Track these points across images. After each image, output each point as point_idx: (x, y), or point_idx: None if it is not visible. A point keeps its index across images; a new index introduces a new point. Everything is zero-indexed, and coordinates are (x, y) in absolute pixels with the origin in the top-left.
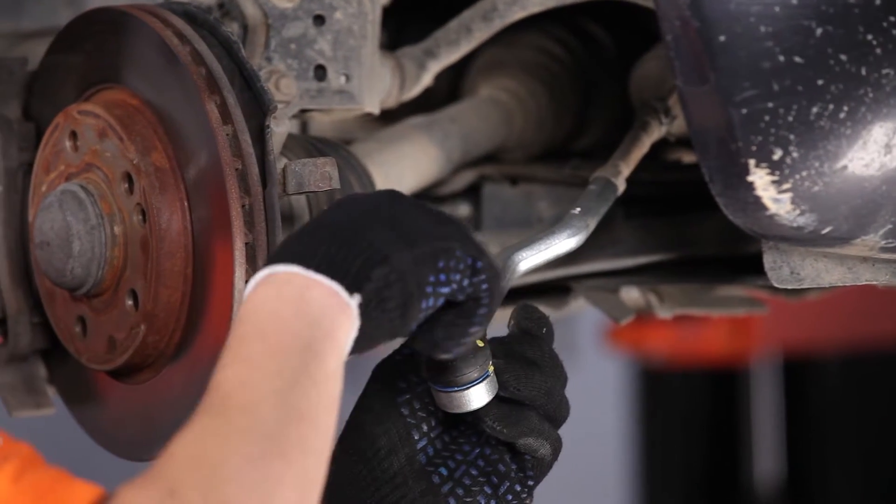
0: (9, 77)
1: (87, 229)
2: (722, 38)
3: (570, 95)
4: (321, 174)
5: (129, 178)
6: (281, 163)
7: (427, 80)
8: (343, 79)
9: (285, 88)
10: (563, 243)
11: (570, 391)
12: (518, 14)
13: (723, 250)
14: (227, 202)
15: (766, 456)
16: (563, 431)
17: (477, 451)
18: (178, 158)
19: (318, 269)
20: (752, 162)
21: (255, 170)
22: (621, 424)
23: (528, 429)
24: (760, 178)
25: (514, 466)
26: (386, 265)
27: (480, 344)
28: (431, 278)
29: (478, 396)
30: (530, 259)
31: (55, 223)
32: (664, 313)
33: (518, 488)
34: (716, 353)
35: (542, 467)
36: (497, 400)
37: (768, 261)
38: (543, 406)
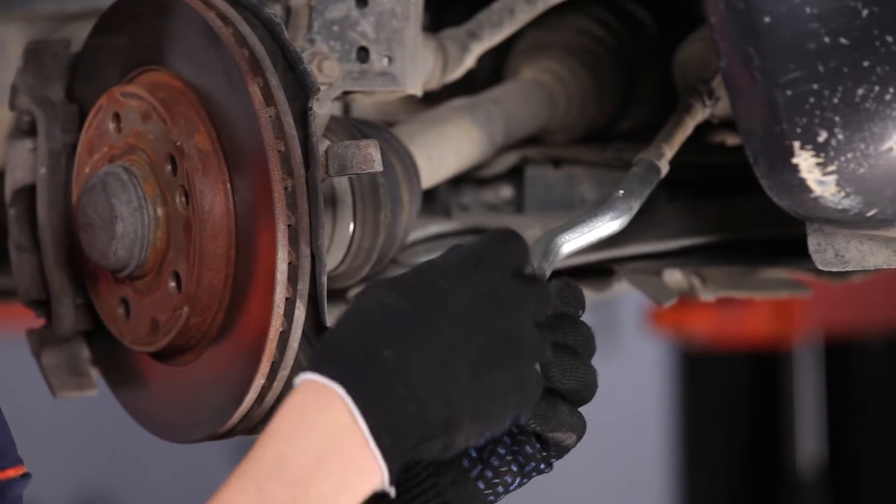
0: (52, 59)
1: (130, 211)
2: (767, 19)
3: (613, 77)
4: (364, 156)
5: (172, 159)
6: (323, 145)
7: (470, 61)
8: (385, 61)
9: (328, 70)
10: (607, 226)
11: (612, 374)
12: None
13: (766, 233)
14: (270, 184)
15: (808, 438)
16: (605, 413)
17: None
18: (222, 140)
19: (372, 430)
20: (796, 144)
21: (297, 152)
22: (663, 407)
23: (559, 424)
24: (805, 161)
25: (538, 446)
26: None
27: None
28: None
29: None
30: (573, 242)
31: (99, 205)
32: (707, 296)
33: (543, 466)
34: (758, 336)
35: (566, 451)
36: None
37: (812, 243)
38: (579, 395)
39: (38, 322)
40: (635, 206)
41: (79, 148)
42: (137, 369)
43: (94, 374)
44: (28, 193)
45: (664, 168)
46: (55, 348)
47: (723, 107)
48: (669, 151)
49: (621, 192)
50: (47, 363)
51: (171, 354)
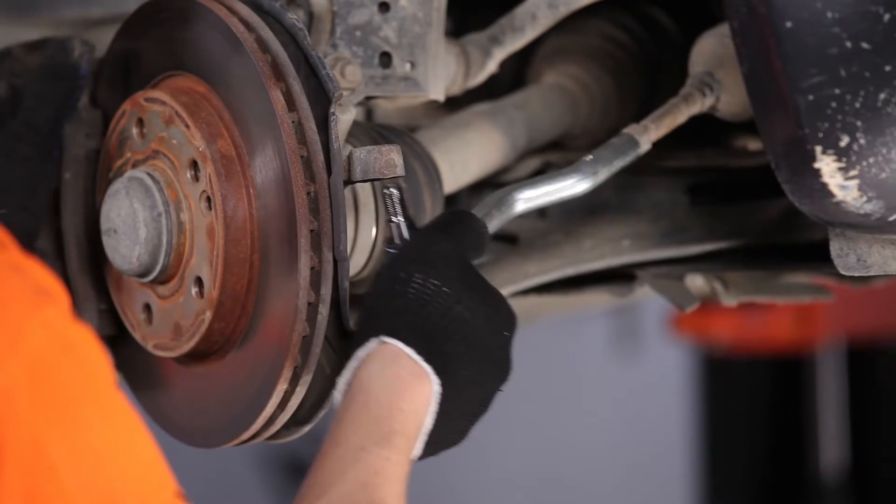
0: None
1: (153, 216)
2: (789, 24)
3: (635, 82)
4: (386, 161)
5: (195, 165)
6: (346, 150)
7: (492, 66)
8: (408, 66)
9: (350, 76)
10: (568, 186)
11: (635, 379)
12: (583, 1)
13: (788, 237)
14: (293, 189)
15: (831, 444)
16: (627, 418)
17: None
18: (244, 146)
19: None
20: (818, 149)
21: (320, 157)
22: (685, 412)
23: None
24: (827, 165)
25: None
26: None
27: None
28: None
29: None
30: (532, 199)
31: (122, 210)
32: (729, 300)
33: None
34: (781, 341)
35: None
36: None
37: (835, 248)
38: None
39: None
40: (603, 172)
41: (102, 153)
42: (161, 374)
43: (119, 378)
44: (53, 199)
45: (644, 144)
46: None
47: (727, 102)
48: (655, 130)
49: (590, 157)
50: None
51: (194, 359)
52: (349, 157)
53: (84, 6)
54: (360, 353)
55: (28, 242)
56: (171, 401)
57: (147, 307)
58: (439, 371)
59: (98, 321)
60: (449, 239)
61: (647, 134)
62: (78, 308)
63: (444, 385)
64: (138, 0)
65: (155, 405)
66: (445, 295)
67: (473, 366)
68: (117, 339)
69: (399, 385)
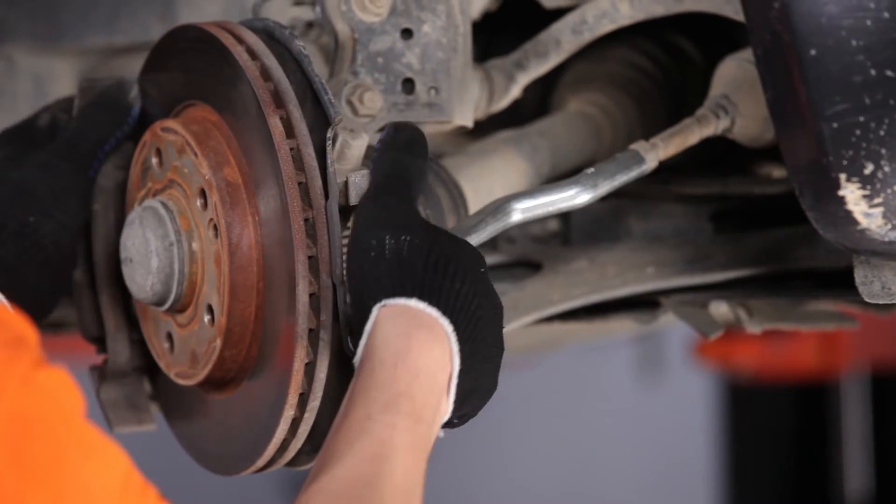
0: None
1: (165, 245)
2: (813, 51)
3: (659, 109)
4: None
5: (203, 193)
6: (361, 175)
7: (516, 92)
8: (432, 92)
9: (369, 102)
10: (567, 198)
11: (658, 406)
12: (608, 27)
13: (813, 265)
14: (290, 216)
15: (856, 472)
16: (651, 445)
17: None
18: (250, 173)
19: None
20: (843, 176)
21: (317, 183)
22: (709, 440)
23: None
24: (851, 193)
25: None
26: None
27: None
28: None
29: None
30: (530, 209)
31: (136, 240)
32: (753, 328)
33: None
34: (805, 369)
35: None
36: None
37: (859, 275)
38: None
39: (100, 357)
40: (603, 186)
41: (128, 184)
42: (190, 404)
43: (154, 409)
44: (85, 230)
45: (650, 161)
46: (113, 383)
47: (743, 126)
48: (663, 148)
49: (591, 169)
50: (105, 398)
51: (214, 388)
52: (345, 182)
53: (108, 35)
54: (367, 326)
55: (57, 251)
56: (197, 430)
57: (169, 336)
58: (446, 311)
59: (130, 352)
60: (399, 192)
61: (655, 151)
62: (110, 339)
63: (455, 325)
64: (162, 28)
65: (184, 434)
66: (419, 245)
67: (474, 298)
68: (157, 369)
69: (407, 343)
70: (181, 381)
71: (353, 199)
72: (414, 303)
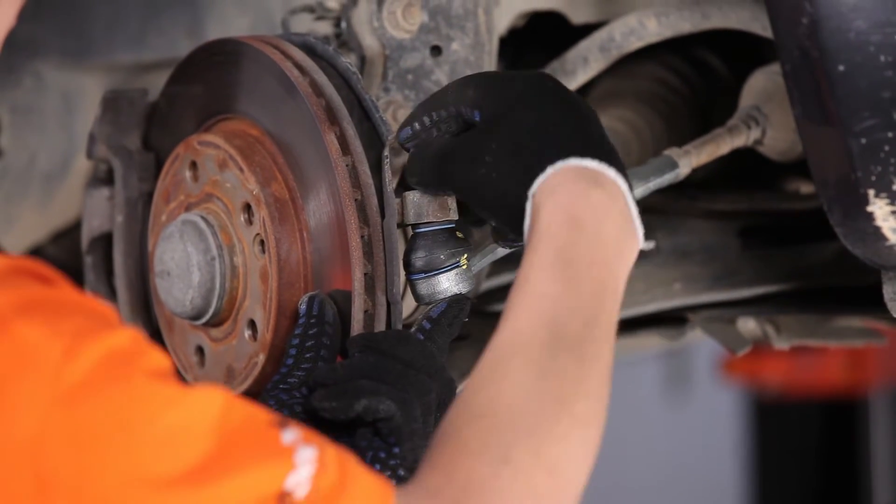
0: (129, 108)
1: (206, 260)
2: (841, 67)
3: (687, 126)
4: (439, 204)
5: (248, 208)
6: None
7: None
8: None
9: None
10: None
11: (685, 422)
12: (635, 44)
13: (841, 281)
14: (347, 233)
15: (884, 489)
16: (678, 461)
17: (343, 439)
18: (298, 189)
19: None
20: (871, 192)
21: (374, 201)
22: (736, 455)
23: (357, 395)
24: (880, 209)
25: (374, 438)
26: None
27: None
28: None
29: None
30: None
31: (175, 253)
32: (781, 344)
33: (383, 455)
34: (833, 385)
35: (396, 427)
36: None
37: (888, 291)
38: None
39: None
40: (636, 187)
41: (155, 196)
42: None
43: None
44: (104, 241)
45: (684, 167)
46: None
47: (773, 138)
48: (695, 155)
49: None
50: None
51: None
52: (402, 201)
53: (137, 51)
54: (532, 201)
55: None
56: None
57: (200, 349)
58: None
59: None
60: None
61: (688, 157)
62: None
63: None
64: (190, 44)
65: None
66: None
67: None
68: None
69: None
70: None
71: (411, 218)
72: (579, 160)
